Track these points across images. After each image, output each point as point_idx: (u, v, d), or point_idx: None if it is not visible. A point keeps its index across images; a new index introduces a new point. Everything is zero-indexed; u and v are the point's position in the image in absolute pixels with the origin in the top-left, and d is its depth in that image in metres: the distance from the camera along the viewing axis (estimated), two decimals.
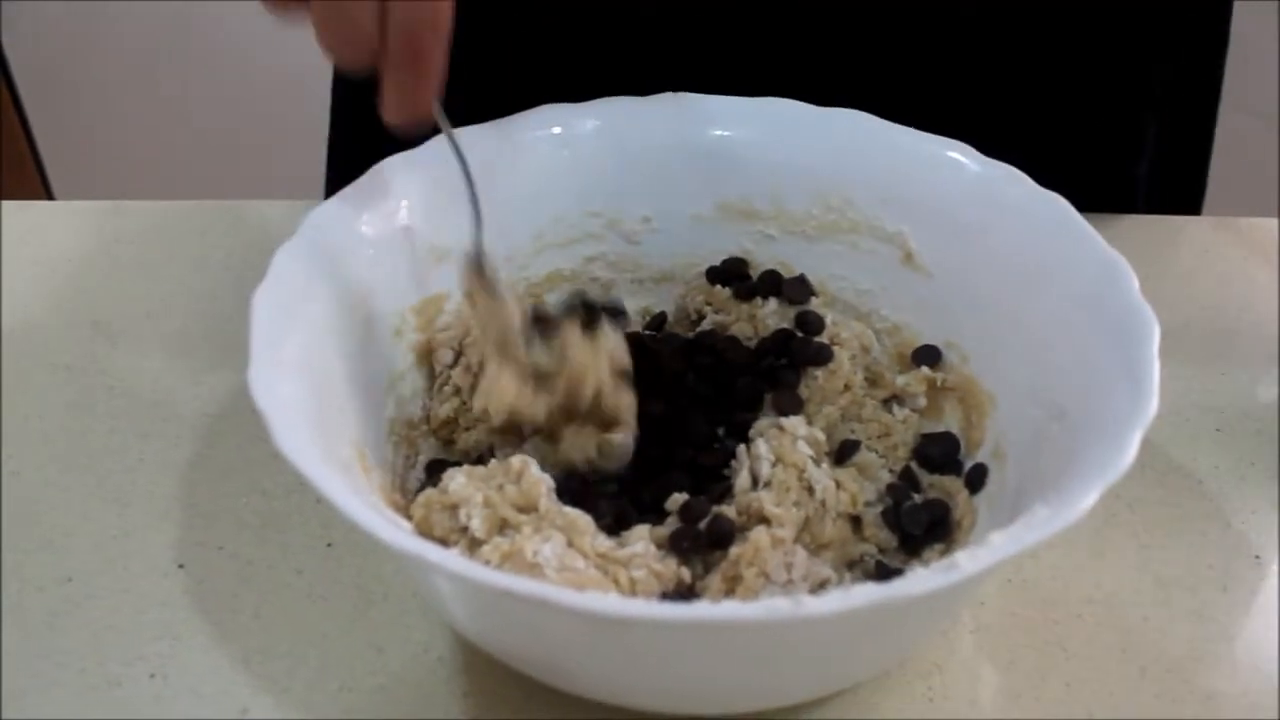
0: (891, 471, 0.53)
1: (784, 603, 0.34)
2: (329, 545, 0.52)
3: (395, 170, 0.52)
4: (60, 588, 0.50)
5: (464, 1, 0.45)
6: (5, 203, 0.71)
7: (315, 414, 0.44)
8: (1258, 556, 0.52)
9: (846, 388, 0.54)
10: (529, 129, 0.56)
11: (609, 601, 0.35)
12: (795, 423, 0.51)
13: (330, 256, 0.49)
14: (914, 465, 0.53)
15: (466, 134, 0.53)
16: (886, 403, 0.55)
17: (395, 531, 0.37)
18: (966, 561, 0.36)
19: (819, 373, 0.54)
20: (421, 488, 0.51)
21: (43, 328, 0.63)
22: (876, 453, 0.53)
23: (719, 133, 0.58)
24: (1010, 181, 0.52)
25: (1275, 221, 0.73)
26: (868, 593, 0.35)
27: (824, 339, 0.55)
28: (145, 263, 0.68)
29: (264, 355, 0.43)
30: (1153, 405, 0.40)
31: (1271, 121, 1.63)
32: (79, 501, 0.54)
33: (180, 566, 0.51)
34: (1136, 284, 0.45)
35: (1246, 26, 1.54)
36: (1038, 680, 0.47)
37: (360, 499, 0.40)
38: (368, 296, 0.51)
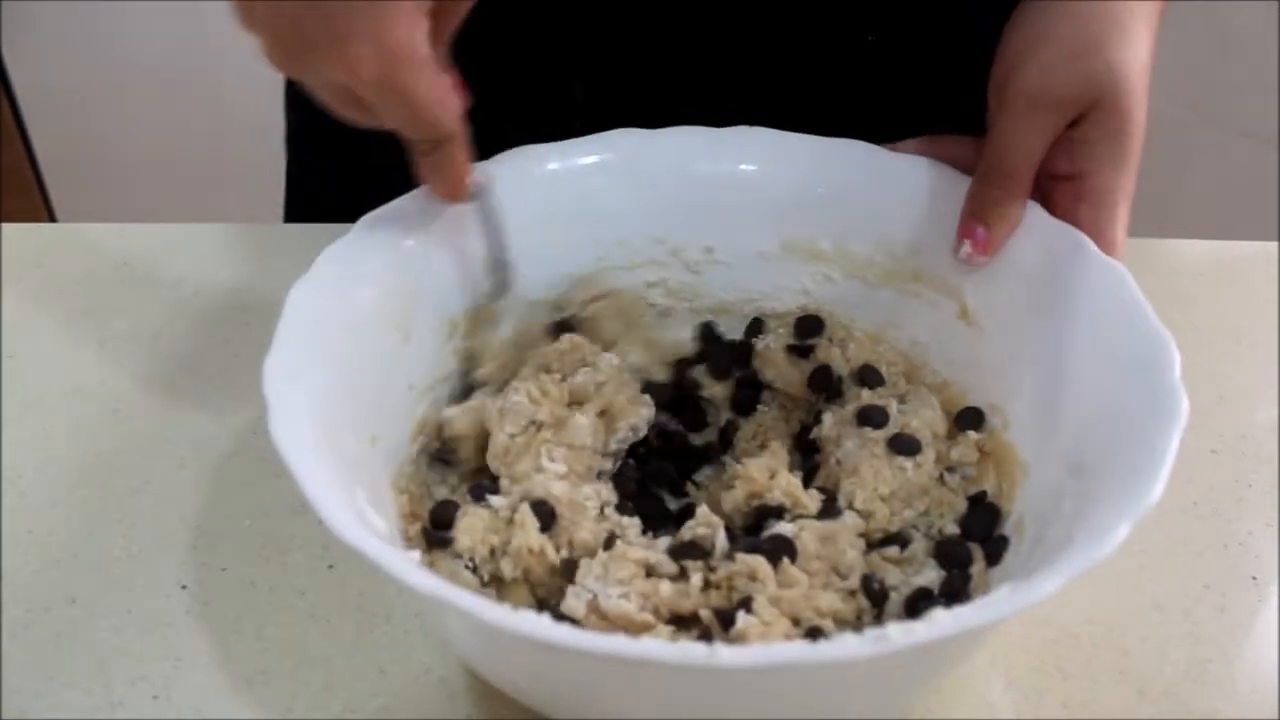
0: (928, 537, 0.51)
1: (699, 649, 0.34)
2: (331, 567, 0.52)
3: None
4: (65, 608, 0.50)
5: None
6: (12, 226, 0.72)
7: (326, 407, 0.44)
8: (1255, 577, 0.53)
9: (924, 491, 0.52)
10: (599, 151, 0.56)
11: (536, 623, 0.35)
12: (837, 528, 0.48)
13: (378, 258, 0.50)
14: (962, 542, 0.50)
15: (536, 152, 0.55)
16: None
17: (368, 539, 0.38)
18: (898, 634, 0.34)
19: (907, 464, 0.52)
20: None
21: (49, 350, 0.64)
22: (920, 530, 0.51)
23: (789, 170, 0.57)
24: (1074, 246, 0.50)
25: (1270, 245, 0.73)
26: (788, 650, 0.34)
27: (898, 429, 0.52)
28: (151, 285, 0.68)
29: (285, 347, 0.44)
30: (1153, 497, 0.39)
31: (1272, 145, 1.64)
32: (83, 522, 0.54)
33: (183, 588, 0.51)
34: (1178, 367, 0.44)
35: (1247, 51, 1.55)
36: (1035, 701, 0.47)
37: (351, 512, 0.40)
38: (414, 300, 0.52)
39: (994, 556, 0.49)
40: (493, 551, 0.48)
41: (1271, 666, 0.49)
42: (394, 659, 0.48)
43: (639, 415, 0.54)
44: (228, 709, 0.47)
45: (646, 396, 0.55)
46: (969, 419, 0.53)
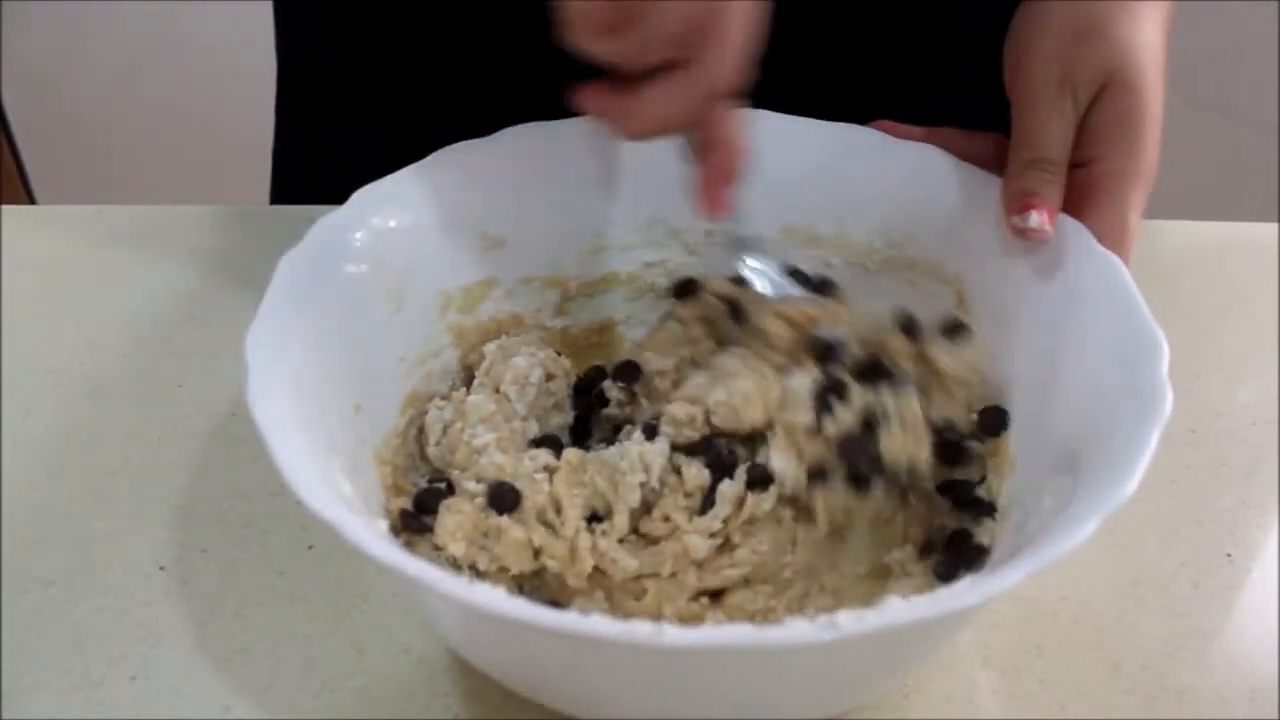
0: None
1: (646, 628, 0.33)
2: (310, 547, 0.52)
3: (455, 157, 0.53)
4: (43, 590, 0.50)
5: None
6: None
7: (310, 376, 0.44)
8: (1229, 554, 0.53)
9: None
10: (599, 129, 0.56)
11: (488, 595, 0.35)
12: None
13: (372, 231, 0.50)
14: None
15: (533, 129, 0.54)
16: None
17: (326, 504, 0.38)
18: (849, 622, 0.34)
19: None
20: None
21: (26, 332, 0.63)
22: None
23: (790, 154, 0.56)
24: (1072, 236, 0.50)
25: (1250, 226, 0.73)
26: (735, 633, 0.34)
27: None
28: (129, 266, 0.68)
29: (271, 315, 0.44)
30: (1126, 493, 0.39)
31: (1271, 133, 1.64)
32: (61, 504, 0.54)
33: (162, 568, 0.51)
34: (1166, 362, 0.44)
35: (1246, 36, 1.55)
36: (1012, 676, 0.48)
37: (323, 484, 0.40)
38: (406, 274, 0.52)
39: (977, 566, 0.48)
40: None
41: (1245, 642, 0.50)
42: (373, 638, 0.48)
43: (532, 370, 0.53)
44: (206, 689, 0.47)
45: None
46: (992, 421, 0.51)
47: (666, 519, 0.48)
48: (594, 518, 0.49)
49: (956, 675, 0.48)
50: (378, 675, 0.47)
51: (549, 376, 0.54)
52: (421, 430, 0.52)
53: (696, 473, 0.49)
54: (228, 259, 0.68)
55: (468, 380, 0.54)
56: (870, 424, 0.49)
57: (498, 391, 0.53)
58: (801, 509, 0.49)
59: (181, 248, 0.69)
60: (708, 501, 0.48)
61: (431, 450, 0.51)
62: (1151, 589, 0.51)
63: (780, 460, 0.49)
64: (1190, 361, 0.63)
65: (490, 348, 0.54)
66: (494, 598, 0.35)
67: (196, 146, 1.82)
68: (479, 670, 0.46)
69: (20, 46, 1.80)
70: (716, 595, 0.48)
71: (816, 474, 0.49)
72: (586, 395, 0.56)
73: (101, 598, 0.50)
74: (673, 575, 0.47)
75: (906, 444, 0.49)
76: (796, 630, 0.34)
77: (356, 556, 0.50)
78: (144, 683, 0.47)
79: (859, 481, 0.49)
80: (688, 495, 0.49)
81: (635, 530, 0.49)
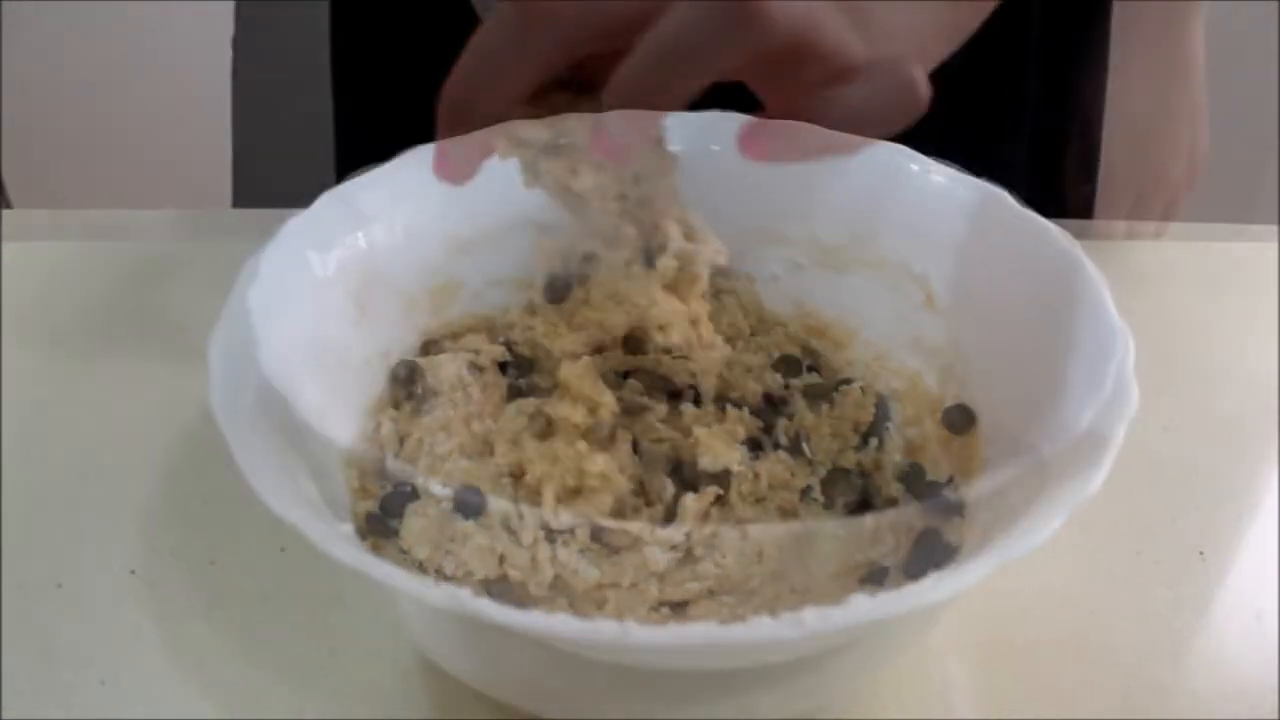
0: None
1: (610, 626, 0.33)
2: (282, 549, 0.51)
3: (422, 157, 0.52)
4: (10, 595, 0.50)
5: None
6: None
7: (274, 381, 0.44)
8: (1202, 553, 0.53)
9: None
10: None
11: (450, 596, 0.35)
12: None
13: (338, 234, 0.50)
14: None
15: (502, 130, 0.53)
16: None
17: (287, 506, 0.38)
18: (814, 619, 0.34)
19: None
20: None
21: None
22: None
23: None
24: (1039, 236, 0.50)
25: (1227, 229, 0.74)
26: (700, 631, 0.34)
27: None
28: (100, 269, 0.68)
29: (234, 318, 0.44)
30: (1092, 489, 0.39)
31: (1271, 137, 1.64)
32: (30, 508, 0.54)
33: (132, 572, 0.51)
34: (1132, 356, 0.44)
35: (1245, 38, 1.55)
36: (985, 675, 0.48)
37: (286, 485, 0.40)
38: (373, 276, 0.51)
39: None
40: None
41: (1218, 640, 0.50)
42: (345, 640, 0.48)
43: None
44: (176, 693, 0.46)
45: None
46: (957, 420, 0.51)
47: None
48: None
49: (930, 673, 0.48)
50: (350, 678, 0.47)
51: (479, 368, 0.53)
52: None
53: (660, 484, 0.48)
54: (199, 262, 0.68)
55: None
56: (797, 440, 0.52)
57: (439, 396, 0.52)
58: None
59: (151, 251, 0.69)
60: (671, 513, 0.48)
61: (390, 464, 0.50)
62: (1125, 587, 0.51)
63: (709, 459, 0.49)
64: (1167, 360, 0.63)
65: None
66: (456, 597, 0.34)
67: (170, 152, 1.81)
68: (452, 675, 0.45)
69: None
70: (681, 607, 0.48)
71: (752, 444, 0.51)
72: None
73: (70, 603, 0.49)
74: (633, 586, 0.47)
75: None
76: (762, 627, 0.34)
77: (328, 559, 0.50)
78: (113, 687, 0.46)
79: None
80: (650, 506, 0.48)
81: (598, 539, 0.48)
